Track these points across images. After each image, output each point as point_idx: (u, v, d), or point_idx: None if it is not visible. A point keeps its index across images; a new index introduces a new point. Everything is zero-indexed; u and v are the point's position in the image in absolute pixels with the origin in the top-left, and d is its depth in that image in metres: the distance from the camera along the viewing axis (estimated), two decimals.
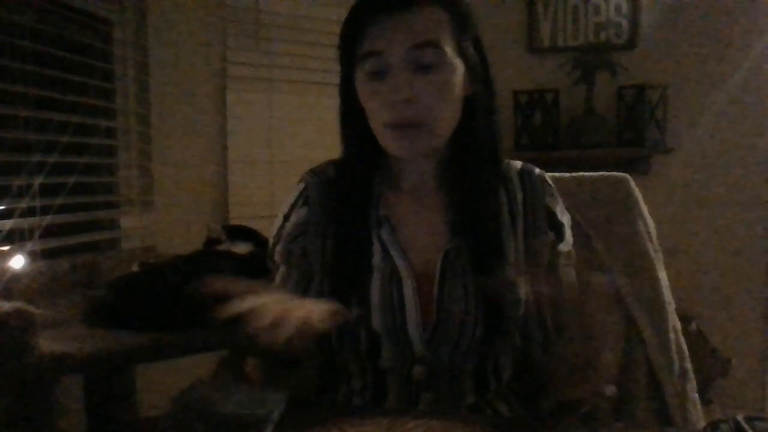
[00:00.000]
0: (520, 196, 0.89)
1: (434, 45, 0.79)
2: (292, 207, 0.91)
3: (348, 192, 0.88)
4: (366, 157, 0.89)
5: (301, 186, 0.92)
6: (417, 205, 0.89)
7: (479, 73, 0.86)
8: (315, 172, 0.94)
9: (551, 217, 0.89)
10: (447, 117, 0.83)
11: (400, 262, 0.85)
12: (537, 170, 0.92)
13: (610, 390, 0.83)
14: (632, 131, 2.59)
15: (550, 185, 0.91)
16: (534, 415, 0.88)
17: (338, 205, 0.88)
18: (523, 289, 0.85)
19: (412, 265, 0.85)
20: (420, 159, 0.87)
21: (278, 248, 0.90)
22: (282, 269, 0.90)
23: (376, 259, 0.85)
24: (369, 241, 0.86)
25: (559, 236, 0.89)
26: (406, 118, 0.80)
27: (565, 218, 0.91)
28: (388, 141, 0.83)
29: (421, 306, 0.83)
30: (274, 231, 0.92)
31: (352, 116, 0.88)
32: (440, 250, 0.84)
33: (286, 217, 0.91)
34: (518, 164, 0.92)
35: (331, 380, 0.89)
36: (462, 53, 0.83)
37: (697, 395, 1.10)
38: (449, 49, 0.81)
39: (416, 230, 0.87)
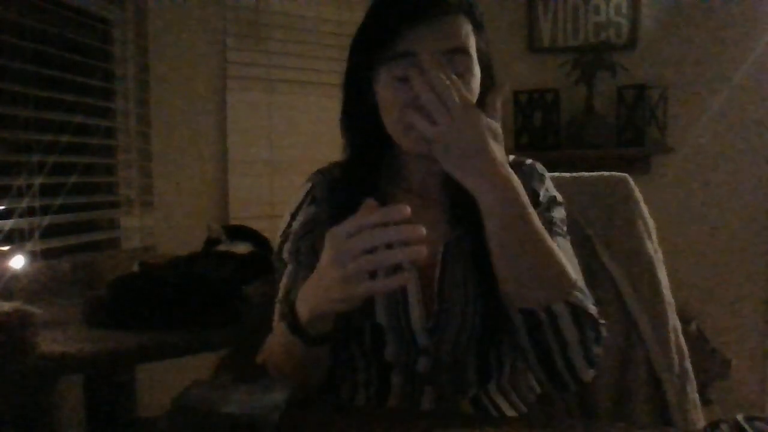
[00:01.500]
0: None
1: (465, 51, 0.82)
2: (300, 205, 0.93)
3: (354, 190, 0.89)
4: (371, 156, 0.91)
5: (309, 185, 0.94)
6: (420, 202, 0.90)
7: (487, 76, 0.88)
8: (321, 172, 0.96)
9: (534, 198, 0.89)
10: None
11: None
12: (529, 160, 0.94)
13: (584, 302, 0.78)
14: (632, 131, 2.60)
15: (539, 172, 0.93)
16: (532, 412, 0.88)
17: (344, 204, 0.89)
18: None
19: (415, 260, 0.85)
20: (430, 158, 0.87)
21: (286, 246, 0.91)
22: (290, 267, 0.91)
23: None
24: None
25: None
26: None
27: (545, 198, 0.90)
28: (410, 141, 0.84)
29: (424, 298, 0.84)
30: (281, 229, 0.94)
31: (359, 115, 0.89)
32: (441, 242, 0.86)
33: (294, 216, 0.93)
34: (510, 158, 0.94)
35: (336, 374, 0.89)
36: (479, 58, 0.86)
37: (697, 395, 1.11)
38: (473, 55, 0.84)
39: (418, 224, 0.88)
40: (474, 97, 0.84)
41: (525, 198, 0.76)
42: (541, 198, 0.90)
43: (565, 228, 0.90)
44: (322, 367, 0.83)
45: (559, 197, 0.93)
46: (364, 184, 0.90)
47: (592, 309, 0.79)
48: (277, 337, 0.80)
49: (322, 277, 0.69)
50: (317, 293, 0.71)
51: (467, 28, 0.83)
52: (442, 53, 0.80)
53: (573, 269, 0.86)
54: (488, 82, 0.88)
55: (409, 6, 0.81)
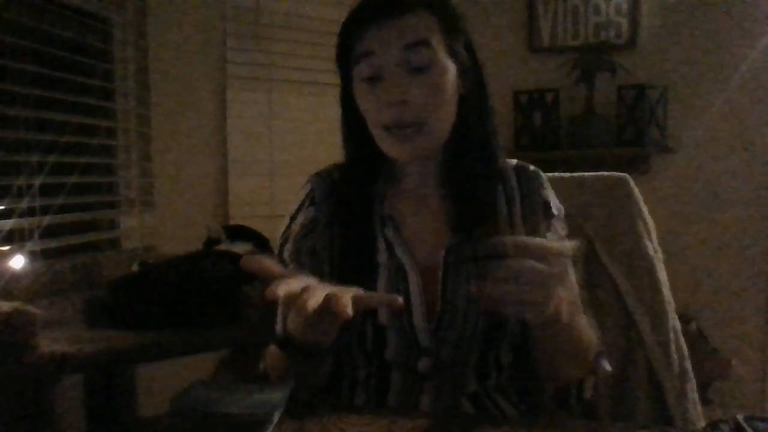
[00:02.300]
0: (516, 192, 0.91)
1: (425, 44, 0.82)
2: (299, 208, 0.94)
3: (352, 193, 0.91)
4: (368, 158, 0.91)
5: (308, 188, 0.95)
6: (419, 204, 0.91)
7: (472, 73, 0.88)
8: (320, 175, 0.96)
9: (546, 209, 0.91)
10: (442, 117, 0.85)
11: (404, 259, 0.86)
12: (532, 167, 0.95)
13: (606, 365, 0.84)
14: (632, 131, 2.60)
15: (544, 179, 0.94)
16: (532, 409, 0.89)
17: (343, 206, 0.91)
18: None
19: (417, 262, 0.87)
20: (419, 159, 0.89)
21: (287, 247, 0.92)
22: (291, 268, 0.91)
23: (382, 256, 0.87)
24: (374, 239, 0.88)
25: (549, 226, 0.90)
26: (402, 119, 0.82)
27: (556, 210, 0.92)
28: (385, 143, 0.86)
29: (426, 299, 0.85)
30: (281, 232, 0.94)
31: (353, 119, 0.90)
32: (443, 247, 0.86)
33: (293, 218, 0.93)
34: (513, 162, 0.95)
35: (336, 372, 0.90)
36: (453, 54, 0.85)
37: (697, 395, 1.10)
38: (440, 49, 0.83)
39: (419, 228, 0.89)
40: (441, 92, 0.83)
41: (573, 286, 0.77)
42: (553, 209, 0.91)
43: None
44: (326, 371, 0.83)
45: (560, 206, 0.93)
46: (361, 186, 0.91)
47: (604, 353, 0.84)
48: (278, 349, 0.81)
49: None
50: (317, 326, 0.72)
51: (429, 23, 0.83)
52: (400, 49, 0.81)
53: None
54: (472, 79, 0.88)
55: (368, 7, 0.83)
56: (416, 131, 0.83)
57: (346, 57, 0.86)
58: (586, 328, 0.81)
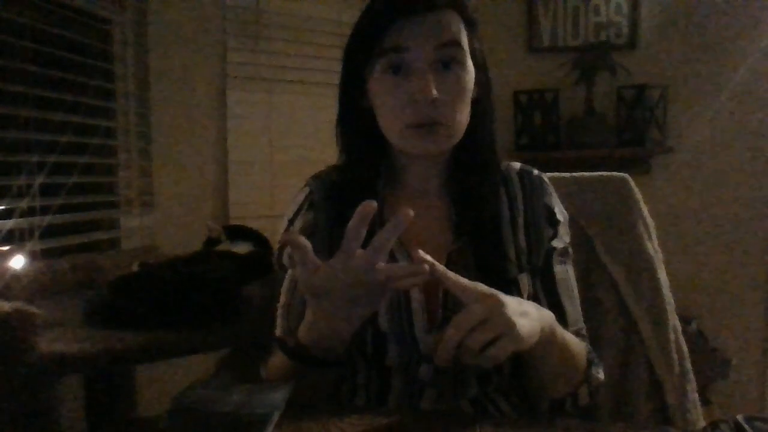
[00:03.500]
0: (520, 196, 0.91)
1: (457, 44, 0.82)
2: (298, 211, 0.93)
3: (352, 196, 0.89)
4: (369, 159, 0.91)
5: (306, 191, 0.94)
6: (421, 208, 0.89)
7: (483, 76, 0.88)
8: (319, 177, 0.95)
9: (550, 215, 0.91)
10: (462, 118, 0.85)
11: (404, 264, 0.85)
12: (536, 171, 0.94)
13: (599, 374, 0.85)
14: (632, 131, 2.60)
15: (548, 185, 0.93)
16: (533, 411, 0.89)
17: (343, 209, 0.89)
18: (525, 287, 0.86)
19: None
20: (428, 160, 0.89)
21: (286, 251, 0.91)
22: (290, 272, 0.90)
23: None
24: None
25: (555, 233, 0.90)
26: (430, 117, 0.81)
27: (562, 216, 0.92)
28: (408, 140, 0.84)
29: (427, 305, 0.84)
30: (280, 236, 0.93)
31: (356, 118, 0.89)
32: (444, 252, 0.85)
33: (291, 221, 0.92)
34: (517, 165, 0.94)
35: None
36: (473, 56, 0.86)
37: (697, 395, 1.11)
38: (466, 51, 0.84)
39: (420, 232, 0.88)
40: (466, 92, 0.84)
41: (551, 319, 0.77)
42: (557, 216, 0.91)
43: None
44: (332, 378, 0.83)
45: (565, 212, 0.93)
46: (361, 187, 0.89)
47: (597, 363, 0.85)
48: (282, 359, 0.80)
49: (334, 313, 0.71)
50: (336, 325, 0.72)
51: (458, 23, 0.83)
52: (434, 47, 0.81)
53: (574, 299, 0.89)
54: (484, 82, 0.89)
55: (393, 3, 0.82)
56: (438, 129, 0.82)
57: (362, 50, 0.85)
58: (573, 341, 0.82)
